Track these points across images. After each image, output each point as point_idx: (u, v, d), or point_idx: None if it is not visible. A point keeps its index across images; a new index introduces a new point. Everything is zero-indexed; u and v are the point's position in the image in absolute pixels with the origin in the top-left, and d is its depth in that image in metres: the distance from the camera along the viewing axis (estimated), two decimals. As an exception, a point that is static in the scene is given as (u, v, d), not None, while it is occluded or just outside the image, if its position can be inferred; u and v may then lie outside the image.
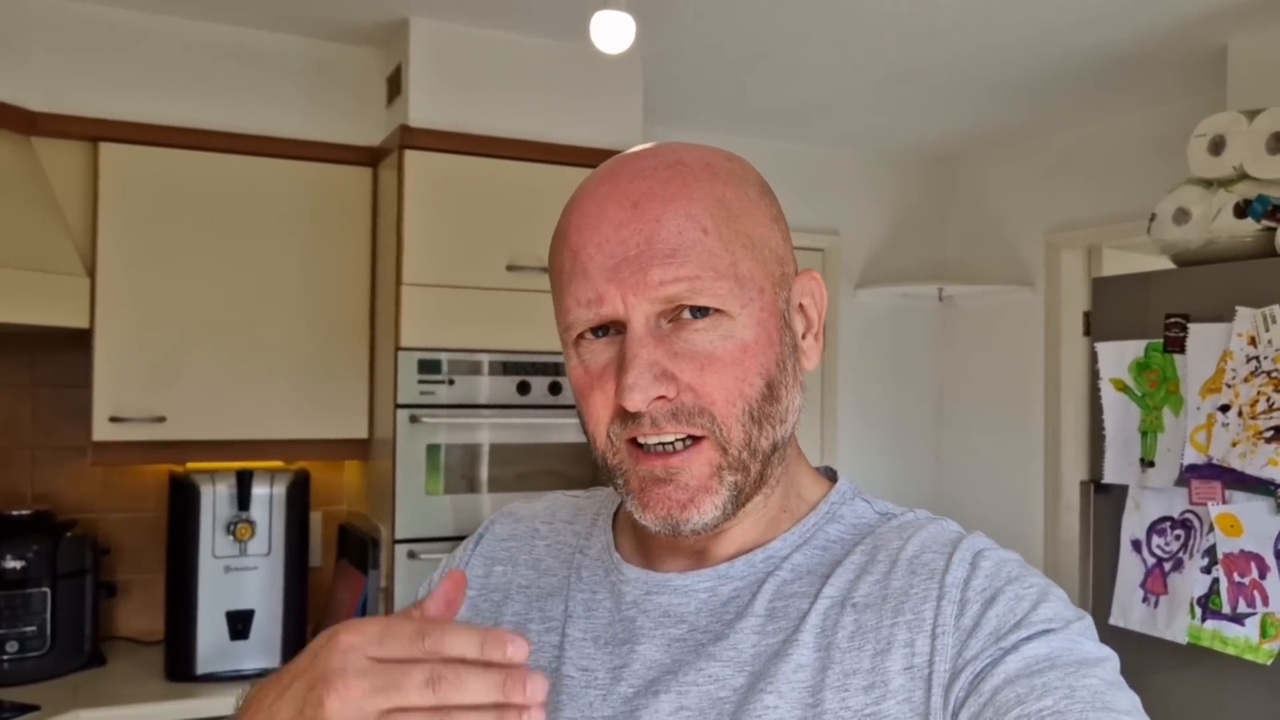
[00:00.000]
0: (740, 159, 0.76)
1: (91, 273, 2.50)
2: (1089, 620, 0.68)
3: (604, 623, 0.77)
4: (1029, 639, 0.64)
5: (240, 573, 2.50)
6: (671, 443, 0.69)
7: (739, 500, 0.71)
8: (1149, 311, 2.30)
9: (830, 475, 0.83)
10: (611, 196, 0.69)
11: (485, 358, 2.61)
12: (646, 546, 0.79)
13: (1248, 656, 2.05)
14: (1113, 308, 2.40)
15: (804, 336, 0.75)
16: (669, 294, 0.67)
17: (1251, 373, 2.07)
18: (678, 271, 0.67)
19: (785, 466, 0.76)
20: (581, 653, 0.77)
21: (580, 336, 0.71)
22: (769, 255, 0.72)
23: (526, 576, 0.84)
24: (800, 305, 0.75)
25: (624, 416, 0.69)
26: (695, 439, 0.69)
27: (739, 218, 0.70)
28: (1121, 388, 2.36)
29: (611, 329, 0.70)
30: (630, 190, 0.69)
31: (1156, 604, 2.24)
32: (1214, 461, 2.13)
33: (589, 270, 0.68)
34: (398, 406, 2.52)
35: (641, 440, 0.69)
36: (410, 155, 2.55)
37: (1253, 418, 2.06)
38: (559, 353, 2.68)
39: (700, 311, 0.68)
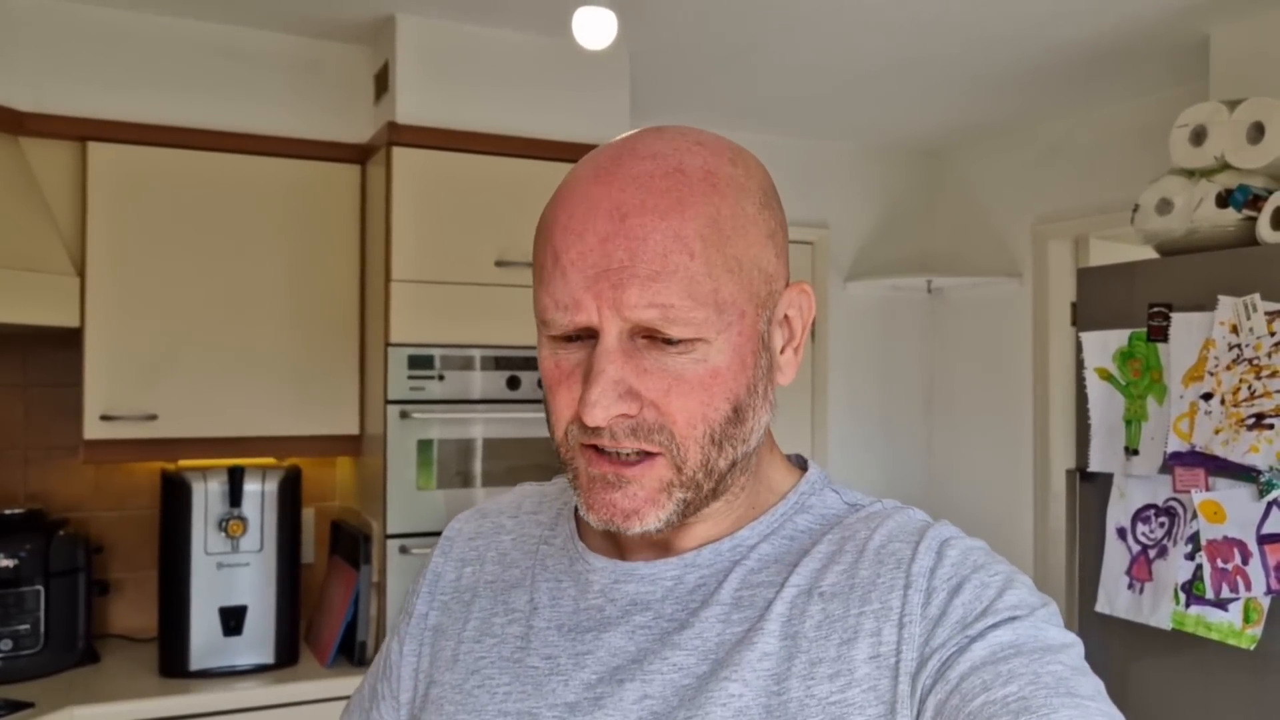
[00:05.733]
0: (747, 160, 0.73)
1: (81, 272, 2.51)
2: (1054, 607, 0.69)
3: (569, 611, 0.78)
4: (995, 626, 0.65)
5: (233, 569, 2.51)
6: (627, 454, 0.69)
7: (686, 512, 0.71)
8: (1133, 301, 2.32)
9: (801, 464, 0.83)
10: (602, 203, 0.67)
11: (475, 353, 2.62)
12: (613, 535, 0.78)
13: (1231, 642, 2.07)
14: (1097, 298, 2.42)
15: (783, 350, 0.74)
16: (642, 318, 0.66)
17: (1233, 361, 2.09)
18: (654, 297, 0.65)
19: (752, 471, 0.76)
20: (546, 642, 0.77)
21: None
22: (756, 276, 0.70)
23: (492, 572, 0.85)
24: (785, 317, 0.74)
25: (584, 423, 0.69)
26: (650, 454, 0.69)
27: (730, 239, 0.68)
28: (1106, 377, 2.37)
29: (585, 333, 0.69)
30: (621, 200, 0.66)
31: (1141, 590, 2.26)
32: (1197, 449, 2.15)
33: (569, 275, 0.67)
34: (388, 402, 2.53)
35: (597, 445, 0.70)
36: (398, 152, 2.56)
37: (1235, 405, 2.08)
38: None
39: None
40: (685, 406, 0.68)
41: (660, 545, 0.77)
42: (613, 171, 0.68)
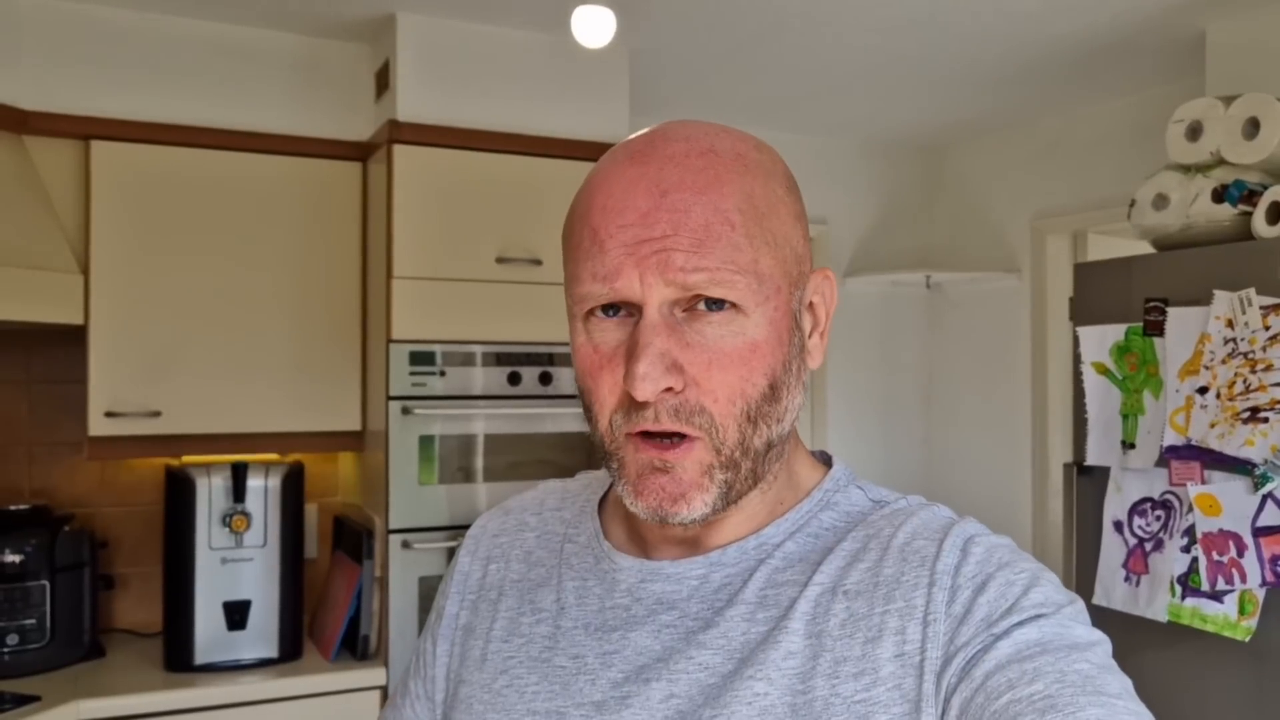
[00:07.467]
0: (770, 150, 0.74)
1: (85, 270, 2.52)
2: (1080, 604, 0.68)
3: (595, 610, 0.78)
4: (1020, 624, 0.65)
5: (236, 564, 2.52)
6: (671, 435, 0.69)
7: (729, 496, 0.71)
8: (1130, 296, 2.33)
9: (826, 461, 0.83)
10: (640, 181, 0.68)
11: (477, 349, 2.64)
12: (639, 534, 0.79)
13: (1226, 633, 2.09)
14: (1095, 292, 2.43)
15: (810, 335, 0.75)
16: (689, 282, 0.66)
17: (1229, 355, 2.11)
18: (700, 261, 0.66)
19: (783, 461, 0.76)
20: (573, 641, 0.77)
21: (590, 313, 0.70)
22: (789, 254, 0.71)
23: (518, 570, 0.85)
24: (811, 303, 0.75)
25: (629, 407, 0.69)
26: (689, 437, 0.69)
27: (765, 215, 0.69)
28: (1103, 371, 2.39)
29: (623, 309, 0.69)
30: (660, 177, 0.67)
31: (1138, 583, 2.27)
32: (1193, 443, 2.16)
33: (607, 247, 0.67)
34: (390, 398, 2.54)
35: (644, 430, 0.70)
36: (399, 149, 2.58)
37: (1230, 399, 2.10)
38: (548, 343, 2.71)
39: (716, 304, 0.67)
40: (725, 381, 0.68)
41: (687, 544, 0.77)
42: (647, 154, 0.69)
